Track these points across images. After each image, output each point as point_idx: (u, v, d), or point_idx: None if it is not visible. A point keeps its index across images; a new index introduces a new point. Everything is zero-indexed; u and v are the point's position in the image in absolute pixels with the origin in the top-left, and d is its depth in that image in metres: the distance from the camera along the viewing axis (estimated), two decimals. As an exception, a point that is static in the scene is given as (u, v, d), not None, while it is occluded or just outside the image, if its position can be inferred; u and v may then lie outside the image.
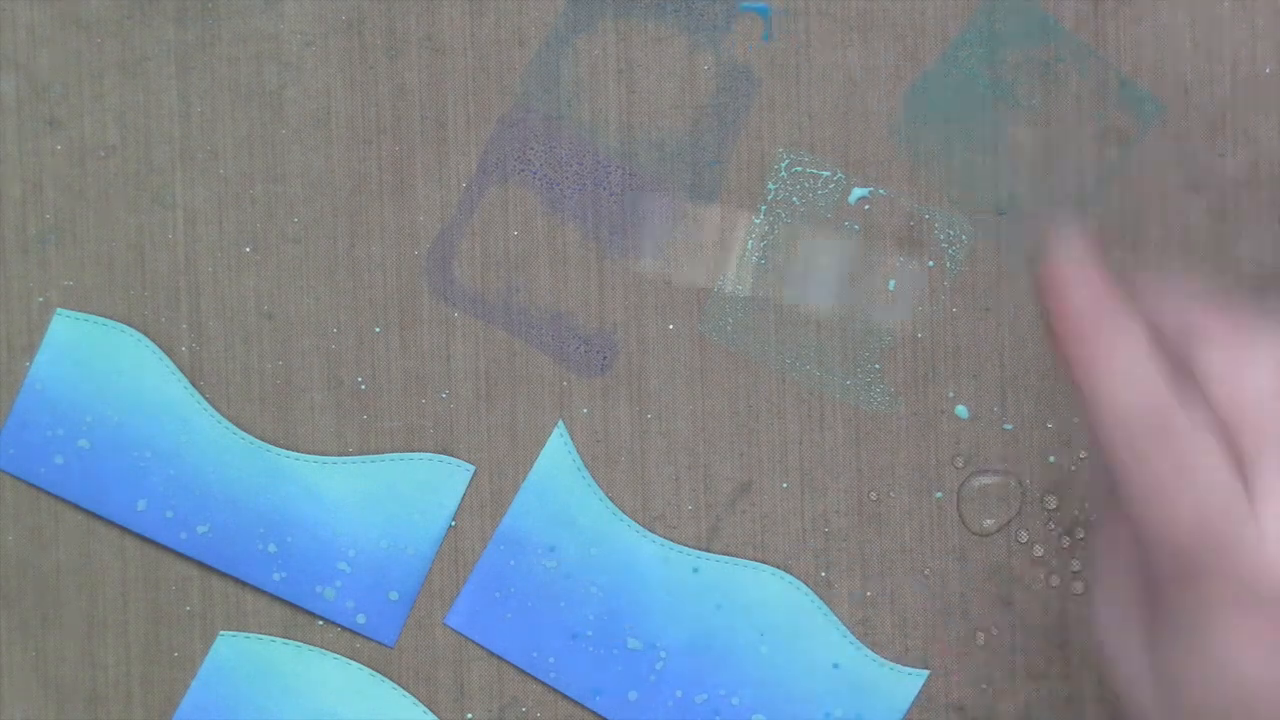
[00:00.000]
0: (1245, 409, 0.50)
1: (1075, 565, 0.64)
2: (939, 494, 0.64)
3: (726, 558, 0.64)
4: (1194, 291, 0.52)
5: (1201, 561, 0.50)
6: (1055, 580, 0.64)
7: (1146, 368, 0.51)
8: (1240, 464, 0.50)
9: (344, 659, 0.65)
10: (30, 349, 0.65)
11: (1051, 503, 0.64)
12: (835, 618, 0.64)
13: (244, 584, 0.65)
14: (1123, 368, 0.51)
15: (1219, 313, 0.51)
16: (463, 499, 0.65)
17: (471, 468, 0.64)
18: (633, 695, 0.64)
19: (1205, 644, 0.51)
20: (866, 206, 0.64)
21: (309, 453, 0.65)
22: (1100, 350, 0.51)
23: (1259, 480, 0.50)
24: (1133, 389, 0.51)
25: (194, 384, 0.65)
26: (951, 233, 0.64)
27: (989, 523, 0.64)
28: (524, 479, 0.64)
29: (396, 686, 0.65)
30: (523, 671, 0.65)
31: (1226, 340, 0.51)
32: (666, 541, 0.64)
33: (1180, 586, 0.50)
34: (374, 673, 0.65)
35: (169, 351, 0.65)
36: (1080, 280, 0.51)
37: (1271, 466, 0.50)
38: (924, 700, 0.64)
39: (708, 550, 0.64)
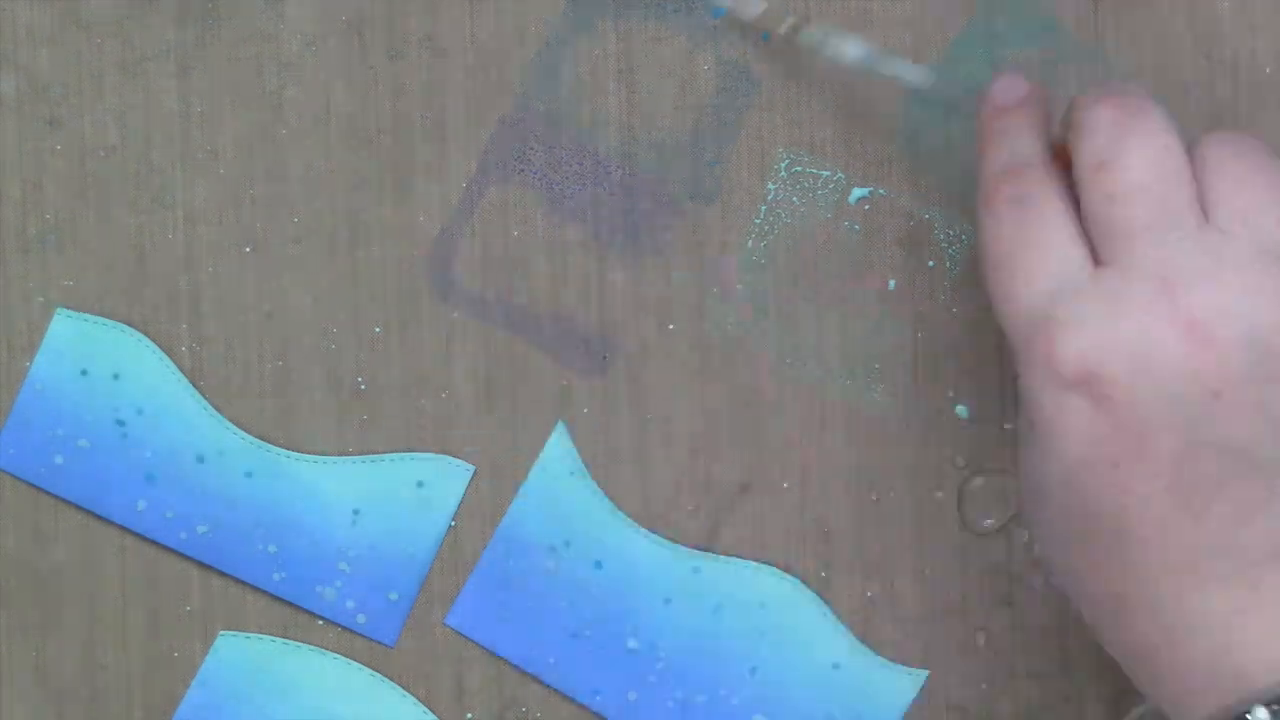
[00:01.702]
0: (1114, 196, 0.51)
1: (1075, 565, 0.64)
2: (939, 494, 0.64)
3: (726, 558, 0.64)
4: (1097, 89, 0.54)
5: (1026, 337, 0.51)
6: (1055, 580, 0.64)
7: (1025, 137, 0.54)
8: (1096, 253, 0.52)
9: (344, 659, 0.65)
10: (30, 349, 0.65)
11: (1051, 503, 0.64)
12: (835, 618, 0.64)
13: (244, 584, 0.65)
14: (1003, 133, 0.54)
15: (1107, 103, 0.52)
16: (463, 499, 0.65)
17: (471, 468, 0.64)
18: (633, 695, 0.64)
19: (1036, 425, 0.52)
20: (866, 206, 0.64)
21: (309, 453, 0.65)
22: (993, 121, 0.54)
23: (1106, 271, 0.51)
24: (1003, 150, 0.54)
25: (194, 384, 0.65)
26: (951, 233, 0.64)
27: (989, 523, 0.64)
28: (524, 479, 0.64)
29: (396, 686, 0.65)
30: (523, 671, 0.65)
31: (1106, 132, 0.52)
32: (666, 541, 0.64)
33: (1021, 368, 0.52)
34: (374, 673, 0.65)
35: (169, 351, 0.65)
36: (1005, 84, 0.55)
37: (1121, 262, 0.51)
38: (924, 700, 0.64)
39: (708, 550, 0.64)
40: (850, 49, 0.59)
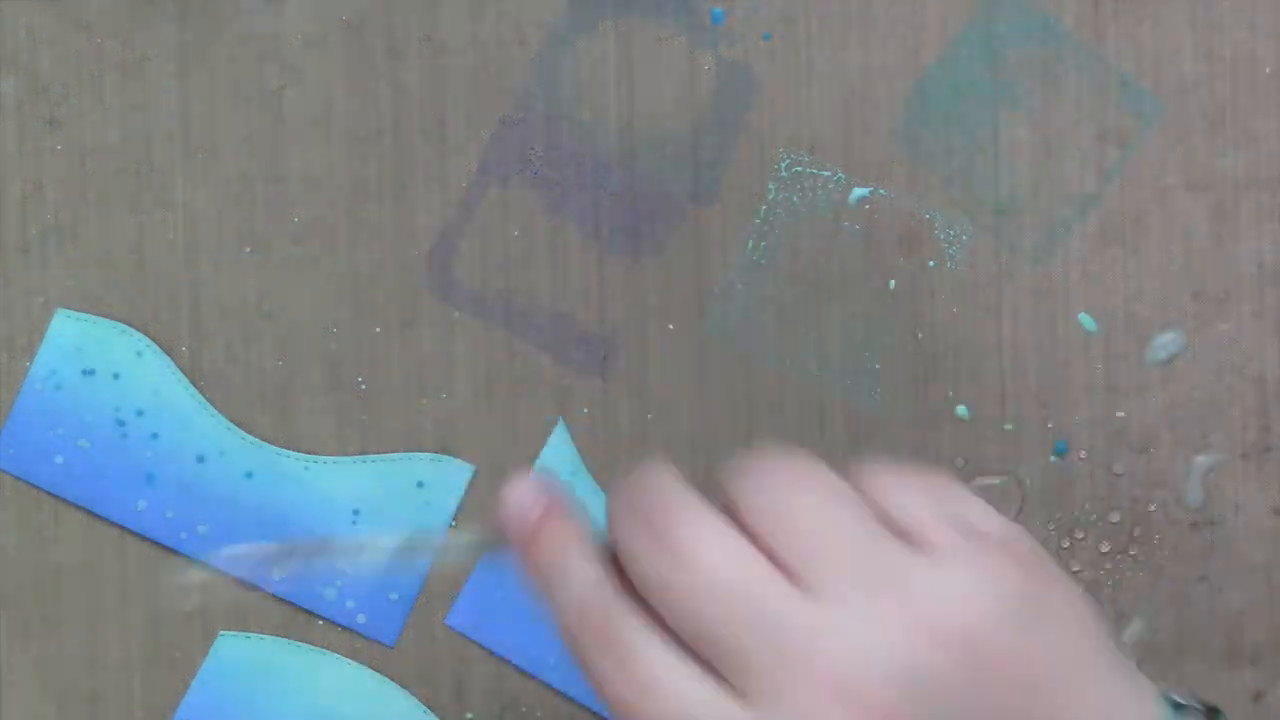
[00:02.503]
0: (698, 614, 0.46)
1: (1075, 566, 0.64)
2: (939, 494, 0.64)
3: (726, 558, 0.64)
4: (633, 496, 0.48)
5: None
6: (1055, 580, 0.64)
7: (576, 565, 0.48)
8: (723, 664, 0.46)
9: (344, 659, 0.65)
10: (30, 349, 0.65)
11: (1052, 503, 0.64)
12: (835, 618, 0.64)
13: (244, 584, 0.65)
14: (553, 567, 0.48)
15: (637, 527, 0.47)
16: (463, 499, 0.65)
17: (471, 468, 0.64)
18: (633, 695, 0.64)
19: None
20: (866, 206, 0.64)
21: (309, 453, 0.65)
22: (542, 549, 0.49)
23: (752, 681, 0.45)
24: (563, 588, 0.48)
25: (194, 384, 0.65)
26: (951, 233, 0.64)
27: (989, 523, 0.64)
28: (524, 479, 0.64)
29: (396, 686, 0.65)
30: (523, 671, 0.65)
31: (652, 554, 0.47)
32: (666, 541, 0.64)
33: None
34: (374, 673, 0.65)
35: (169, 351, 0.65)
36: (527, 498, 0.49)
37: (734, 669, 0.46)
38: (924, 700, 0.64)
39: (708, 550, 0.64)
40: (371, 557, 0.51)
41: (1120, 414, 0.64)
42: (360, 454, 0.65)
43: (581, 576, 0.48)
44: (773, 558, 0.46)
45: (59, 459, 0.65)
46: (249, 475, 0.65)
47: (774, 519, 0.46)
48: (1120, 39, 0.63)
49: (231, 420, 0.65)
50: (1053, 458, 0.64)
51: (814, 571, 0.46)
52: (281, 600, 0.65)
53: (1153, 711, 0.48)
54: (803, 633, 0.45)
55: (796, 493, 0.47)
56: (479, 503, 0.65)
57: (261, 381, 0.65)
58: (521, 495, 0.49)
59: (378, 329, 0.64)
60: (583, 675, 0.48)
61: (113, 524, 0.65)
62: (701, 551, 0.46)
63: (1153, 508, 0.64)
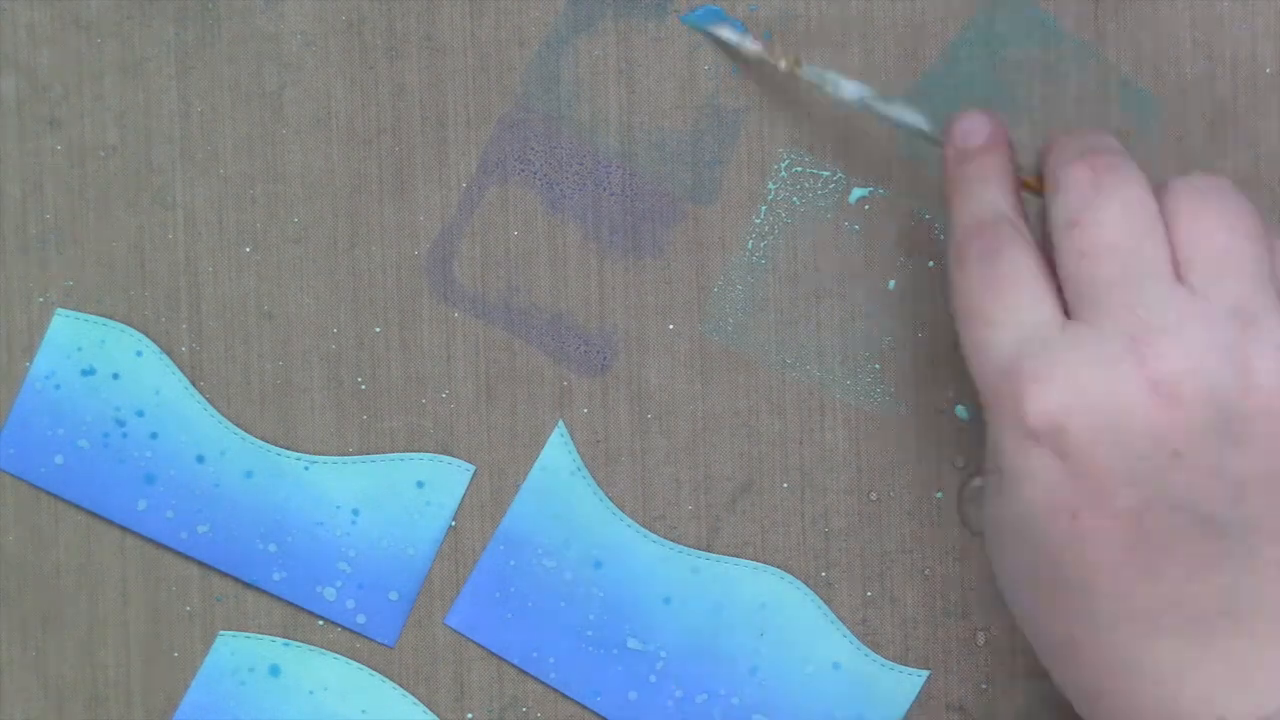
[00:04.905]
0: (1086, 253, 0.51)
1: (1075, 565, 0.64)
2: (939, 494, 0.64)
3: (726, 558, 0.64)
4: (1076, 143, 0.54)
5: (994, 387, 0.52)
6: (1055, 580, 0.64)
7: (991, 187, 0.54)
8: (1068, 307, 0.52)
9: (344, 659, 0.65)
10: (30, 349, 0.65)
11: (1051, 503, 0.64)
12: (835, 618, 0.64)
13: (244, 584, 0.65)
14: (969, 182, 0.54)
15: (1080, 162, 0.52)
16: (463, 499, 0.65)
17: (471, 468, 0.64)
18: (633, 695, 0.64)
19: (1001, 471, 0.52)
20: (866, 206, 0.64)
21: (309, 453, 0.65)
22: (958, 168, 0.55)
23: (1076, 326, 0.51)
24: (971, 200, 0.54)
25: (194, 384, 0.65)
26: (951, 233, 0.64)
27: (989, 523, 0.64)
28: (524, 479, 0.64)
29: (396, 686, 0.65)
30: (523, 671, 0.65)
31: (1079, 190, 0.52)
32: (666, 541, 0.64)
33: (988, 417, 0.52)
34: (374, 673, 0.65)
35: (169, 351, 0.65)
36: (967, 125, 0.56)
37: (1091, 318, 0.51)
38: (924, 700, 0.64)
39: (708, 550, 0.64)
40: (848, 90, 0.60)
41: (1120, 414, 0.64)
42: (360, 454, 0.65)
43: (995, 199, 0.54)
44: (1175, 246, 0.51)
45: (59, 459, 0.65)
46: (249, 475, 0.65)
47: (1191, 229, 0.51)
48: (1120, 39, 0.63)
49: (231, 420, 0.65)
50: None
51: (1201, 275, 0.51)
52: (281, 600, 0.65)
53: None
54: (1150, 299, 0.50)
55: (1223, 219, 0.51)
56: (479, 503, 0.65)
57: (261, 381, 0.65)
58: (976, 121, 0.55)
59: (378, 329, 0.64)
60: (952, 285, 0.53)
61: (113, 524, 0.65)
62: (1126, 197, 0.51)
63: (1153, 508, 0.64)
